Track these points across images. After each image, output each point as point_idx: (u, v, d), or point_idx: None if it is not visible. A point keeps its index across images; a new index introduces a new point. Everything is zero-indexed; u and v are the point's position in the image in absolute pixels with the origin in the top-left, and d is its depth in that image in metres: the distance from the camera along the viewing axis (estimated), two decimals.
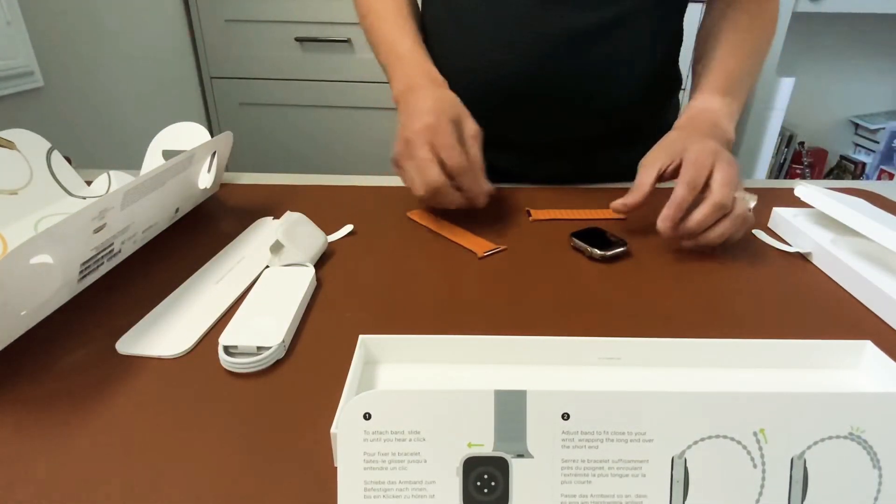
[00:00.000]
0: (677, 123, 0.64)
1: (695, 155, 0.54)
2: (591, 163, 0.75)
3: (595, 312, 0.46)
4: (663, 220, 0.53)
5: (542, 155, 0.75)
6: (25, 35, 1.04)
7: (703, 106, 0.64)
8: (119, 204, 0.46)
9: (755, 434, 0.25)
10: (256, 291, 0.46)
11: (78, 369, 0.39)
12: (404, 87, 0.63)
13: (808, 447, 0.25)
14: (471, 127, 0.59)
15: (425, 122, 0.56)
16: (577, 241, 0.55)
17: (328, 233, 0.57)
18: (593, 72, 0.68)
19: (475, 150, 0.58)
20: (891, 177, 1.76)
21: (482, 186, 0.58)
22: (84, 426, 0.34)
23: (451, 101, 0.60)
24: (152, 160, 0.67)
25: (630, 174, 0.70)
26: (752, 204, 0.54)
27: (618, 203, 0.57)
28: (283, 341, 0.40)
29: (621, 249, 0.54)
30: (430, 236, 0.59)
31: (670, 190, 0.53)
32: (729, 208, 0.52)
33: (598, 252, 0.53)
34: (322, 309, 0.46)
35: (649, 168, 0.57)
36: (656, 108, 0.77)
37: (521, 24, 0.67)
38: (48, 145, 0.64)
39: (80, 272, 0.45)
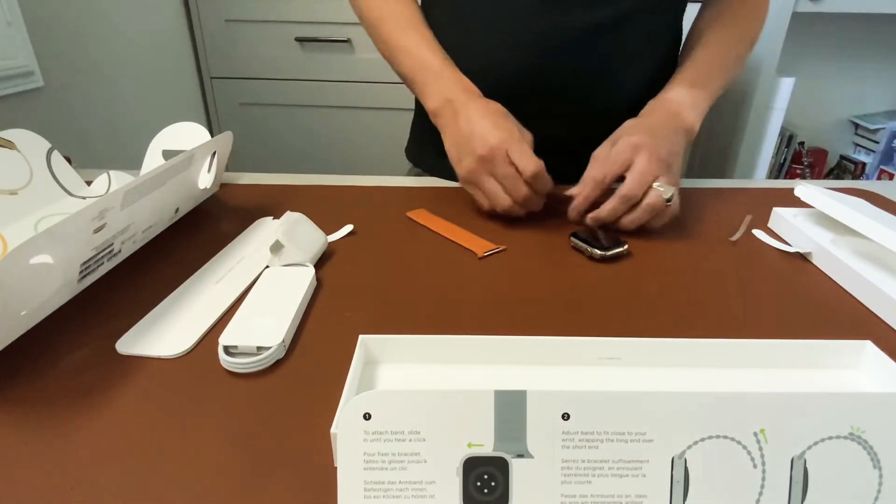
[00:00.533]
0: (641, 112, 0.66)
1: (616, 150, 0.58)
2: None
3: (595, 312, 0.46)
4: (570, 211, 0.60)
5: (543, 155, 0.75)
6: (25, 35, 1.04)
7: (667, 96, 0.66)
8: (119, 204, 0.46)
9: (755, 434, 0.25)
10: (256, 291, 0.46)
11: (78, 369, 0.39)
12: (443, 100, 0.64)
13: (809, 447, 0.25)
14: (527, 133, 0.61)
15: (498, 136, 0.58)
16: (576, 241, 0.55)
17: (328, 233, 0.57)
18: (594, 71, 0.68)
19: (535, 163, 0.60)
20: (891, 177, 1.76)
21: (550, 185, 0.60)
22: (84, 426, 0.34)
23: (502, 111, 0.62)
24: (152, 160, 0.67)
25: None
26: (669, 195, 0.56)
27: (573, 212, 0.61)
28: (283, 341, 0.40)
29: (621, 249, 0.54)
30: (430, 236, 0.59)
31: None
32: (637, 199, 0.56)
33: (599, 252, 0.53)
34: (322, 309, 0.46)
35: (591, 165, 0.61)
36: None
37: (522, 24, 0.67)
38: (48, 145, 0.64)
39: (80, 272, 0.45)
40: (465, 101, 0.62)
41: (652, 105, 0.66)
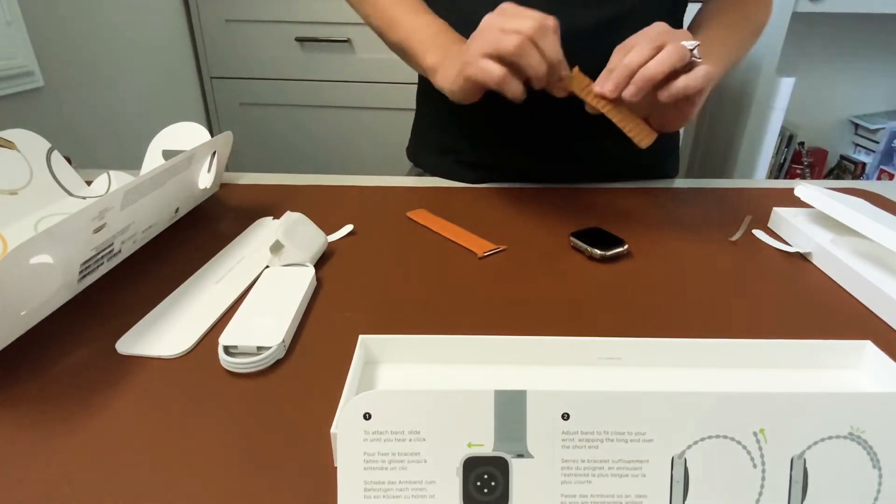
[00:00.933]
0: None
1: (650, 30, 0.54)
2: (592, 162, 0.75)
3: (595, 312, 0.46)
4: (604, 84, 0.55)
5: (544, 155, 0.75)
6: (25, 35, 1.04)
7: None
8: (119, 204, 0.46)
9: (755, 434, 0.25)
10: (256, 291, 0.46)
11: (78, 369, 0.39)
12: (442, 54, 0.62)
13: (808, 447, 0.25)
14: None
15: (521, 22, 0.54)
16: (576, 241, 0.55)
17: (328, 233, 0.57)
18: (595, 70, 0.68)
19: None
20: (891, 177, 1.76)
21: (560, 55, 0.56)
22: (84, 426, 0.34)
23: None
24: (152, 160, 0.67)
25: (629, 174, 0.70)
26: (692, 46, 0.53)
27: (604, 90, 0.56)
28: (283, 341, 0.40)
29: (621, 249, 0.54)
30: (430, 236, 0.59)
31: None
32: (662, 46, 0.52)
33: (598, 252, 0.53)
34: (322, 309, 0.46)
35: (620, 50, 0.56)
36: None
37: None
38: (48, 145, 0.64)
39: (80, 272, 0.45)
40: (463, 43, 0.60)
41: None
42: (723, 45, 0.67)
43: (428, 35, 0.65)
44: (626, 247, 0.54)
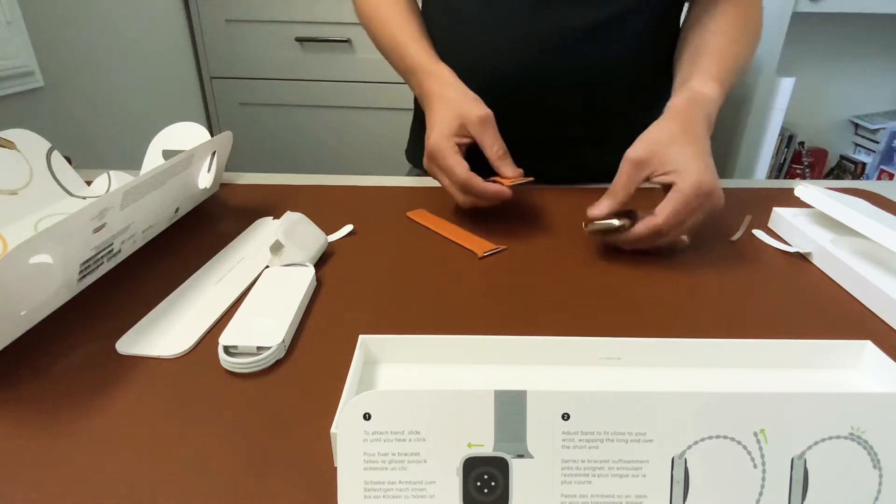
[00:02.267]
0: (672, 105, 0.60)
1: (690, 189, 0.50)
2: (587, 162, 0.75)
3: (595, 312, 0.46)
4: (593, 210, 0.55)
5: (539, 155, 0.75)
6: (25, 35, 1.04)
7: (699, 90, 0.60)
8: (118, 204, 0.46)
9: (755, 434, 0.25)
10: (256, 291, 0.46)
11: (78, 369, 0.39)
12: (419, 94, 0.67)
13: (809, 447, 0.25)
14: (474, 118, 0.60)
15: (429, 147, 0.60)
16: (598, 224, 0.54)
17: (328, 233, 0.57)
18: (589, 71, 0.68)
19: (488, 137, 0.60)
20: (891, 177, 1.76)
21: (488, 191, 0.58)
22: (84, 426, 0.34)
23: (453, 107, 0.61)
24: (152, 160, 0.67)
25: None
26: (687, 242, 0.55)
27: (596, 212, 0.55)
28: (283, 341, 0.40)
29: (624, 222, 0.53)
30: (430, 236, 0.59)
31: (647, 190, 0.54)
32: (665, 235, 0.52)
33: (617, 222, 0.53)
34: (322, 309, 0.46)
35: (632, 174, 0.54)
36: (652, 107, 0.77)
37: (517, 24, 0.67)
38: (48, 145, 0.64)
39: (80, 272, 0.45)
40: (430, 96, 0.64)
41: (688, 96, 0.60)
42: (739, 71, 0.65)
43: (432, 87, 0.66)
44: (630, 221, 0.53)
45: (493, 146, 0.60)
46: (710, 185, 0.51)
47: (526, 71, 0.68)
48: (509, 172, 0.60)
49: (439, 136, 0.60)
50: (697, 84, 0.60)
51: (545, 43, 0.67)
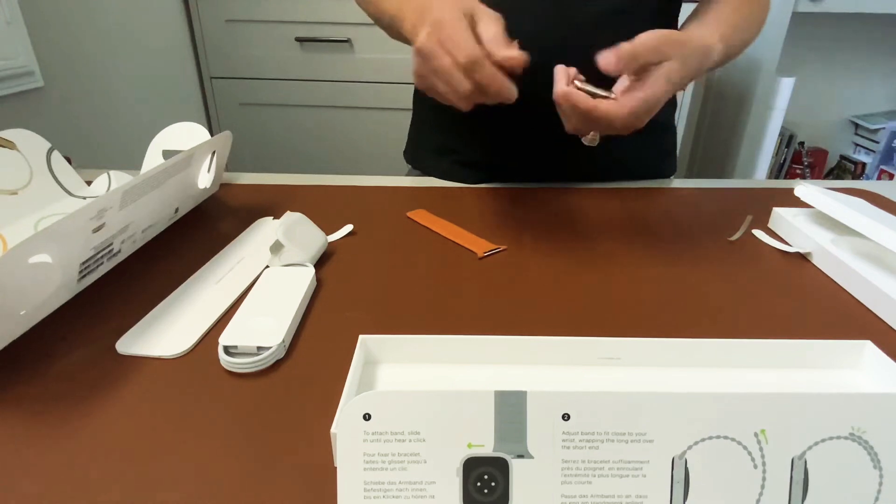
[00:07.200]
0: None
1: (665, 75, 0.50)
2: (591, 160, 0.75)
3: (595, 312, 0.46)
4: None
5: (543, 155, 0.75)
6: (25, 35, 1.04)
7: (700, 33, 0.60)
8: (118, 203, 0.46)
9: (755, 434, 0.25)
10: (256, 291, 0.46)
11: (78, 369, 0.39)
12: (419, 11, 0.57)
13: (809, 447, 0.25)
14: (483, 11, 0.53)
15: (431, 21, 0.51)
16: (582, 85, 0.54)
17: (328, 233, 0.57)
18: (593, 64, 0.68)
19: (493, 30, 0.52)
20: (891, 177, 1.76)
21: (498, 78, 0.52)
22: (84, 426, 0.34)
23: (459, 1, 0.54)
24: (152, 160, 0.67)
25: (627, 174, 0.70)
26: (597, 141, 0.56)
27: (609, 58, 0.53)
28: (283, 341, 0.40)
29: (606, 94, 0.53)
30: (430, 236, 0.59)
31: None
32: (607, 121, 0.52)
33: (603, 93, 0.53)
34: (322, 309, 0.46)
35: (643, 54, 0.52)
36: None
37: (527, 14, 0.67)
38: (48, 145, 0.64)
39: (80, 272, 0.45)
40: (433, 2, 0.54)
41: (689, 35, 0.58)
42: (740, 43, 0.64)
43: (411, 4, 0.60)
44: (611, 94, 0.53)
45: (491, 28, 0.52)
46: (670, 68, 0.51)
47: (534, 64, 0.68)
48: (504, 51, 0.52)
49: (447, 9, 0.52)
50: (699, 32, 0.60)
51: (553, 35, 0.66)
